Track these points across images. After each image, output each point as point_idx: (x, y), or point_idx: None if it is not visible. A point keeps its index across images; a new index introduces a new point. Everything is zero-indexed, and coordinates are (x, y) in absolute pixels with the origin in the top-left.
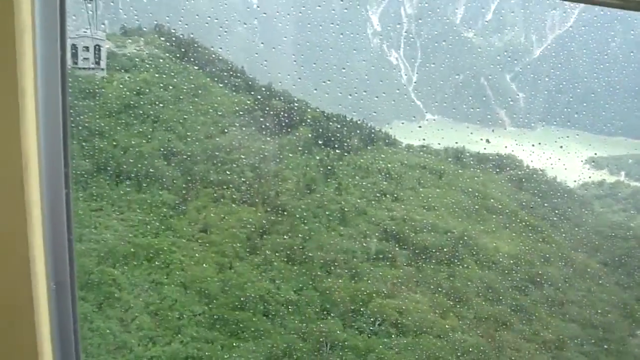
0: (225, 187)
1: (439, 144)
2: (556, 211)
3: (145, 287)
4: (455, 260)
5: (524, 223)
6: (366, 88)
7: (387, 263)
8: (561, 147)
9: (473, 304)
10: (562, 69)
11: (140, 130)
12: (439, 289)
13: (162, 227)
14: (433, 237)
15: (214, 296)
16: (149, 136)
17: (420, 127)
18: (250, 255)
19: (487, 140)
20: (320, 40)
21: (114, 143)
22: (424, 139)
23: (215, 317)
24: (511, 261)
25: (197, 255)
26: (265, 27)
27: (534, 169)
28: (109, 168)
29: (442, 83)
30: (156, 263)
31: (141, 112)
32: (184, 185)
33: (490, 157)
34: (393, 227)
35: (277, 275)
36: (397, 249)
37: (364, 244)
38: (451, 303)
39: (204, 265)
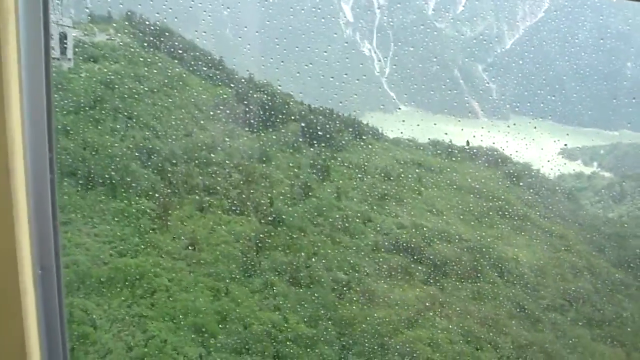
0: (211, 192)
1: (429, 138)
2: (555, 209)
3: (126, 324)
4: (478, 276)
5: (534, 226)
6: (339, 79)
7: (405, 281)
8: (533, 139)
9: (508, 329)
10: (534, 60)
11: (113, 127)
12: (467, 313)
13: (143, 244)
14: (448, 248)
15: (211, 333)
16: (123, 134)
17: (404, 121)
18: (248, 276)
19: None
20: (291, 30)
21: (83, 143)
22: (402, 132)
23: None
24: (537, 274)
25: (186, 278)
26: (235, 17)
27: (520, 163)
28: (78, 172)
29: (415, 74)
30: (138, 291)
31: (113, 107)
32: (164, 191)
33: (478, 151)
34: (403, 237)
35: (283, 302)
36: (412, 263)
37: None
38: (484, 330)
39: (196, 291)
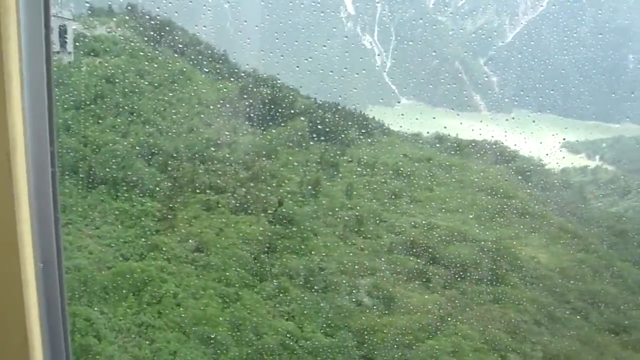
0: (217, 191)
1: (430, 132)
2: (567, 206)
3: (132, 334)
4: (498, 278)
5: (550, 224)
6: (339, 72)
7: (423, 285)
8: (532, 132)
9: (535, 337)
10: (535, 53)
11: (114, 123)
12: (490, 318)
13: (148, 246)
14: (465, 249)
15: (223, 345)
16: (125, 131)
17: (402, 114)
18: (260, 281)
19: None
20: (293, 24)
21: (84, 139)
22: (401, 126)
23: None
24: (557, 276)
25: (194, 284)
26: (235, 11)
27: (526, 158)
28: (78, 170)
29: (416, 67)
30: (144, 297)
31: (114, 102)
32: (168, 190)
33: (483, 146)
34: (418, 237)
35: (297, 309)
36: (429, 266)
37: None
38: (509, 337)
39: (205, 298)
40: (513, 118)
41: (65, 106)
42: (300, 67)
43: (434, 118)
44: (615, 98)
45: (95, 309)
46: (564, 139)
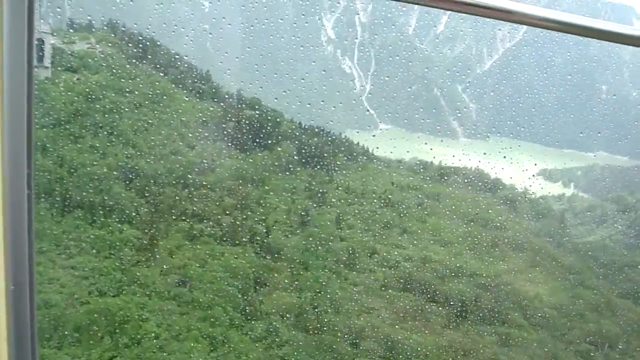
0: (201, 219)
1: (410, 159)
2: (556, 236)
3: None
4: (501, 318)
5: (547, 258)
6: (320, 96)
7: (423, 326)
8: (506, 164)
9: None
10: (513, 82)
11: (92, 144)
12: None
13: (126, 279)
14: (464, 285)
15: None
16: (103, 152)
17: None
18: (248, 320)
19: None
20: (272, 46)
21: (59, 160)
22: (377, 149)
23: None
24: (562, 315)
25: (177, 323)
26: (215, 31)
27: (508, 186)
28: (52, 194)
29: (395, 93)
30: (122, 339)
31: (93, 121)
32: (149, 217)
33: (468, 174)
34: (413, 272)
35: (291, 352)
36: (427, 304)
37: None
38: None
39: (189, 340)
40: (485, 153)
41: (40, 124)
42: (280, 95)
43: (408, 152)
44: (588, 129)
45: (65, 351)
46: (539, 167)
